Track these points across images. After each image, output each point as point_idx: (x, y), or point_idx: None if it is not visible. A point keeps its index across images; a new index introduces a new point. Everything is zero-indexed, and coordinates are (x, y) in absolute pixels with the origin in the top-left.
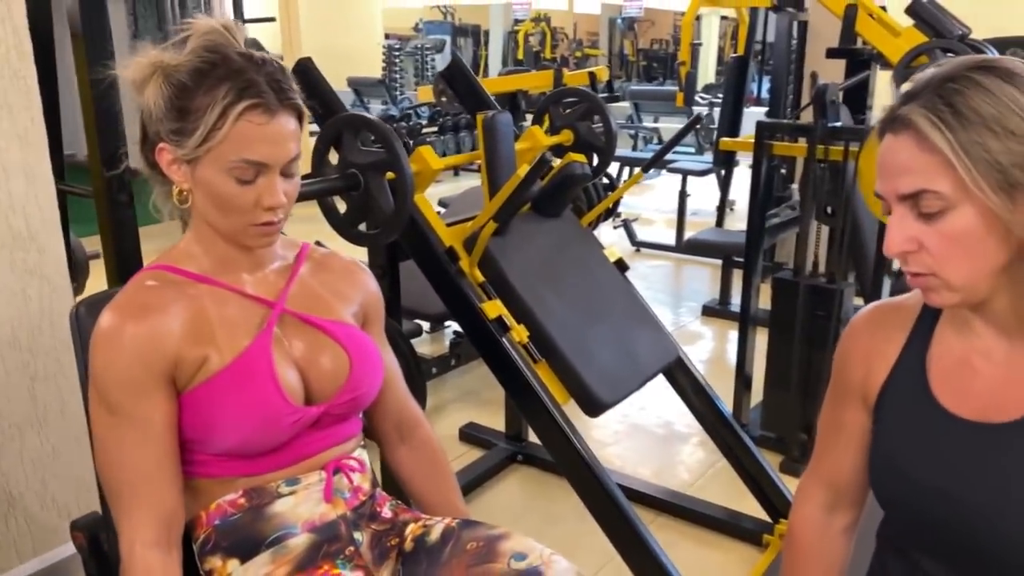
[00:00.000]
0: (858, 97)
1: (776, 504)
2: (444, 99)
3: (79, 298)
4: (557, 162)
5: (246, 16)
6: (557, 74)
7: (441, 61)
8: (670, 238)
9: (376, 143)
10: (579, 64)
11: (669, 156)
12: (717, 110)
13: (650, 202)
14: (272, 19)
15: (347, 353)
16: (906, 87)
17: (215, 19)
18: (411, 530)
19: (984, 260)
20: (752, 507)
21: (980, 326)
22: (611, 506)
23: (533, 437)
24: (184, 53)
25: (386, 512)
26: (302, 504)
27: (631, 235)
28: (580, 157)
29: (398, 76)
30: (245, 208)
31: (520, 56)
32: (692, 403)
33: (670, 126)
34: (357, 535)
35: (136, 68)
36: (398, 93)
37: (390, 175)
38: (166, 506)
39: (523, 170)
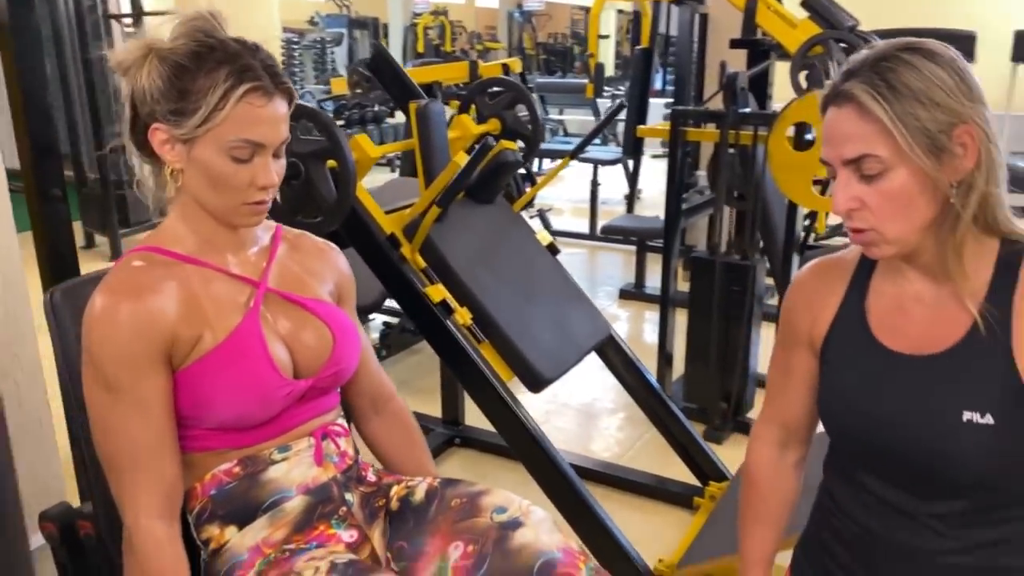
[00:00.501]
0: (759, 86)
1: (704, 469)
2: (359, 91)
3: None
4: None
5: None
6: (472, 65)
7: (340, 54)
8: (582, 226)
9: (316, 132)
10: (481, 57)
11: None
12: (619, 101)
13: (559, 192)
14: (171, 13)
15: (330, 330)
16: (845, 66)
17: (202, 7)
18: (395, 491)
19: (916, 215)
20: (682, 473)
21: (911, 273)
22: (558, 476)
23: (469, 420)
24: (176, 37)
25: (371, 476)
26: (295, 469)
27: (546, 224)
28: (512, 145)
29: (297, 70)
30: (240, 187)
31: (420, 49)
32: (623, 377)
33: (575, 118)
34: (348, 496)
35: (127, 51)
36: (299, 87)
37: (331, 163)
38: (168, 478)
39: (461, 157)
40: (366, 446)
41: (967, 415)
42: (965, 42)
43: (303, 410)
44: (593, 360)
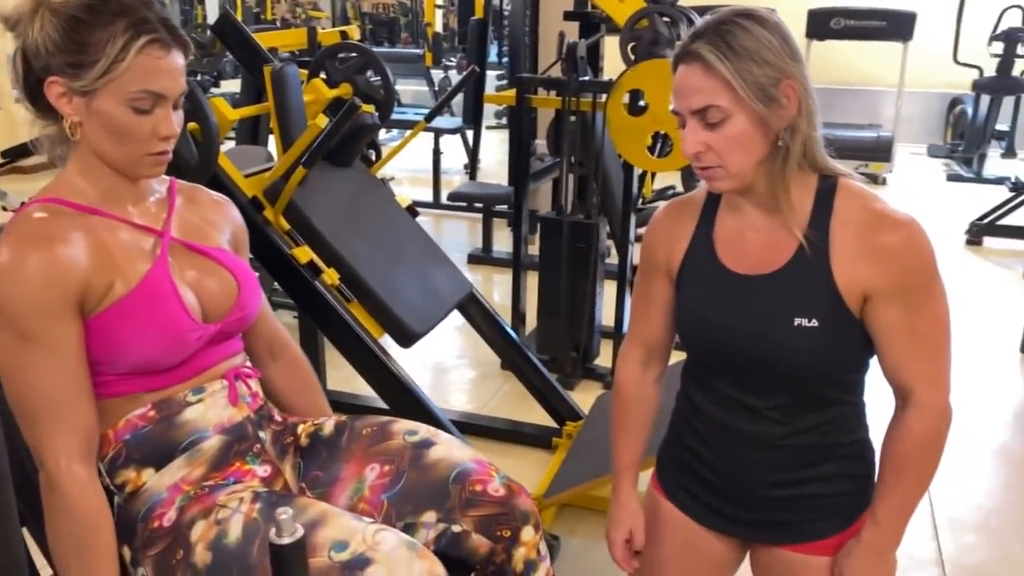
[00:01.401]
0: (592, 57)
1: (561, 411)
2: (191, 57)
3: None
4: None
5: None
6: (311, 32)
7: None
8: (424, 195)
9: None
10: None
11: (415, 117)
12: (453, 72)
13: (397, 163)
14: None
15: (234, 277)
16: (692, 29)
17: None
18: (303, 429)
19: (753, 154)
20: (540, 417)
21: (748, 207)
22: (434, 423)
23: (332, 385)
24: None
25: (277, 416)
26: (211, 410)
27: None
28: (369, 108)
29: None
30: (142, 137)
31: (239, 16)
32: (484, 331)
33: (409, 88)
34: (262, 434)
35: (15, 6)
36: None
37: (192, 125)
38: (87, 422)
39: (321, 119)
40: (268, 391)
41: (797, 320)
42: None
43: (213, 353)
44: (451, 321)
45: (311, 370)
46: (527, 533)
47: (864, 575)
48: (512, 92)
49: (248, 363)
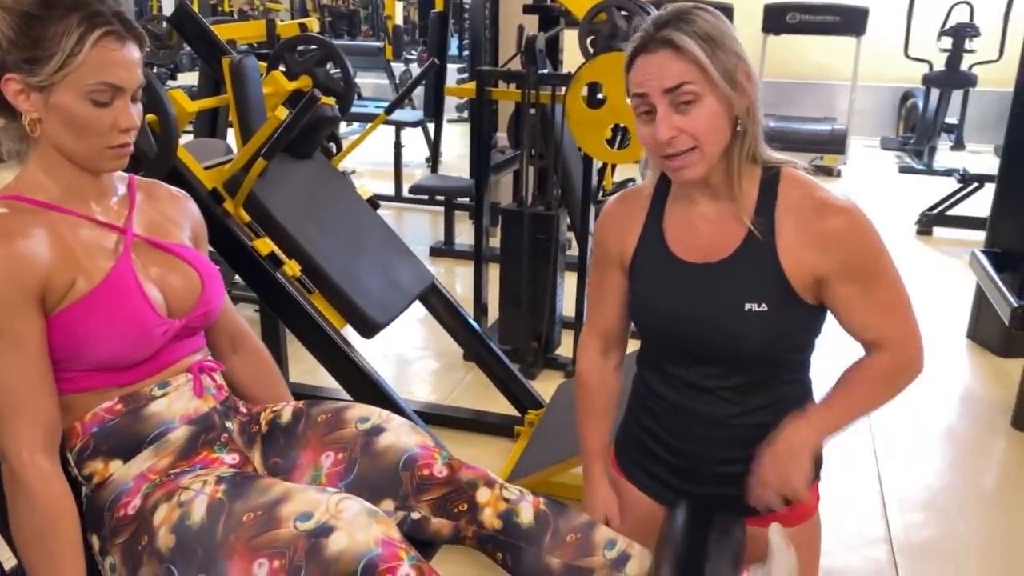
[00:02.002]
0: (551, 50)
1: (523, 400)
2: (147, 49)
3: None
4: None
5: None
6: (270, 24)
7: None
8: (385, 188)
9: None
10: (263, 18)
11: (375, 110)
12: (414, 66)
13: (358, 156)
14: None
15: (197, 273)
16: (651, 21)
17: None
18: (264, 416)
19: (723, 134)
20: (503, 406)
21: (699, 197)
22: (395, 411)
23: (294, 377)
24: None
25: (243, 408)
26: (176, 402)
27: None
28: (329, 100)
29: None
30: (102, 130)
31: (195, 8)
32: (446, 322)
33: (369, 81)
34: (228, 424)
35: None
36: None
37: (151, 117)
38: (49, 416)
39: (281, 111)
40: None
41: (748, 305)
42: (723, 13)
43: (177, 348)
44: (413, 313)
45: (272, 360)
46: (482, 495)
47: (771, 469)
48: (472, 85)
49: (211, 358)
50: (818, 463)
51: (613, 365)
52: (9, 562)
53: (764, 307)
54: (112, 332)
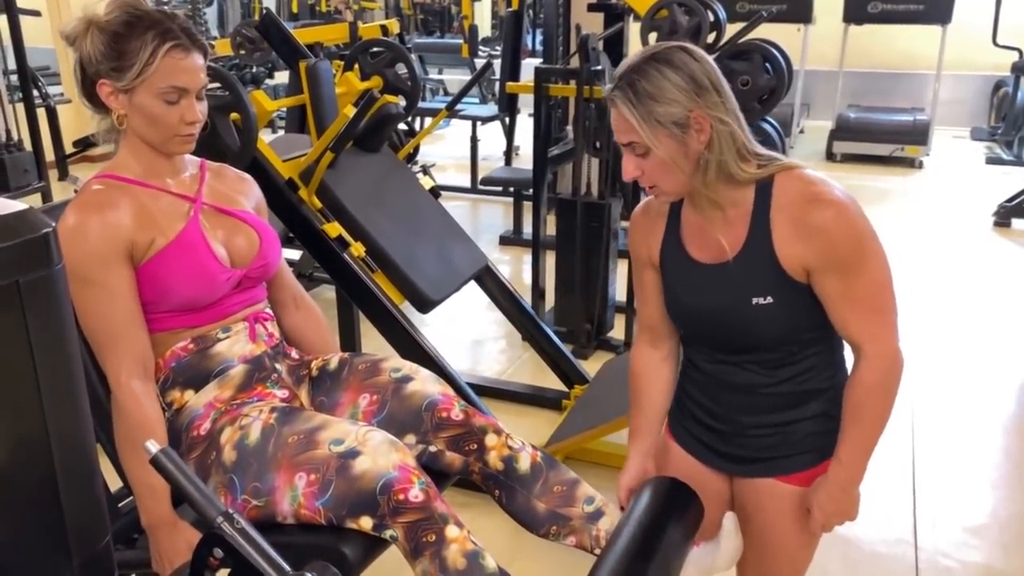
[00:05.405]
0: (615, 46)
1: (571, 376)
2: (243, 52)
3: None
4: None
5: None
6: (352, 27)
7: (211, 15)
8: (464, 181)
9: (220, 88)
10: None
11: (459, 105)
12: (496, 62)
13: (442, 150)
14: (37, 13)
15: (257, 233)
16: (616, 72)
17: None
18: (315, 364)
19: (680, 171)
20: (554, 383)
21: (701, 207)
22: (452, 385)
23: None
24: (110, 11)
25: (294, 354)
26: (236, 344)
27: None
28: (394, 99)
29: None
30: (172, 123)
31: (295, 9)
32: (500, 303)
33: (454, 77)
34: (278, 366)
35: (72, 25)
36: None
37: (234, 116)
38: (140, 347)
39: (349, 109)
40: (286, 337)
41: (755, 300)
42: (802, 6)
43: (239, 299)
44: (479, 298)
45: (323, 318)
46: (490, 439)
47: (830, 506)
48: (531, 82)
49: (268, 309)
50: None
51: (663, 355)
52: (115, 484)
53: (770, 300)
54: (185, 278)
